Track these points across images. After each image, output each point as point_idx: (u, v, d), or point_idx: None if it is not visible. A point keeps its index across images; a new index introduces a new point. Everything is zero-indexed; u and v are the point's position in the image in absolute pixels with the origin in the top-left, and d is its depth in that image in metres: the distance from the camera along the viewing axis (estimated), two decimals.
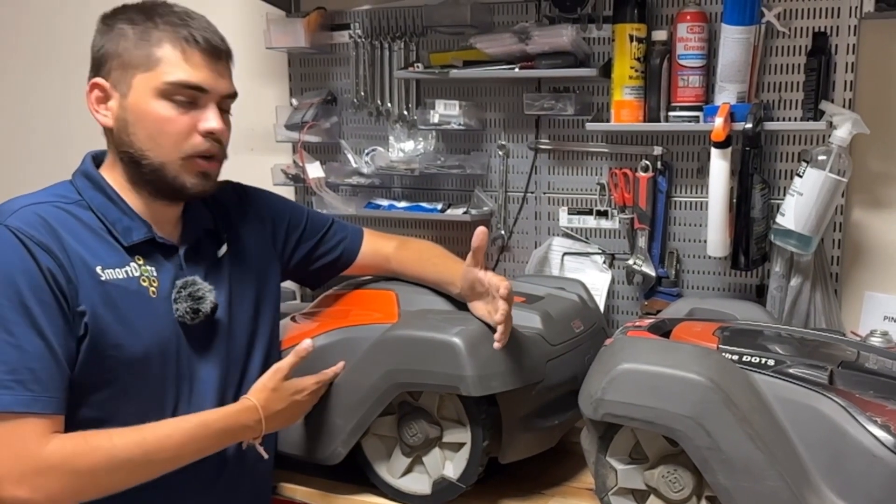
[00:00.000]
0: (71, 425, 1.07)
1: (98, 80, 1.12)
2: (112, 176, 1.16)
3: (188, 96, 1.11)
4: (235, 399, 1.19)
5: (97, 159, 1.18)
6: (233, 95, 1.17)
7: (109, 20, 1.13)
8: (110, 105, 1.12)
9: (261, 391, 1.18)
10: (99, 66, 1.13)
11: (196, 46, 1.11)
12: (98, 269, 1.08)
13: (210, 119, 1.12)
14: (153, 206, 1.15)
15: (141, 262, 1.12)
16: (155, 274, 1.13)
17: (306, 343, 1.22)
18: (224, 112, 1.16)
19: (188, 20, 1.12)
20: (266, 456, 1.20)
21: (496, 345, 1.16)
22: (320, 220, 1.41)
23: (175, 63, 1.10)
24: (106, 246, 1.10)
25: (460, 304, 1.31)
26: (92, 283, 1.06)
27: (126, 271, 1.10)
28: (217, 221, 1.24)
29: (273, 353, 1.28)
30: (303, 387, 1.21)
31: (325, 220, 1.41)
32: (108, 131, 1.14)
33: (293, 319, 1.41)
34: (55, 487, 1.00)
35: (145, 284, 1.12)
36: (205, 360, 1.17)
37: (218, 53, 1.13)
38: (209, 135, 1.12)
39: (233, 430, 1.14)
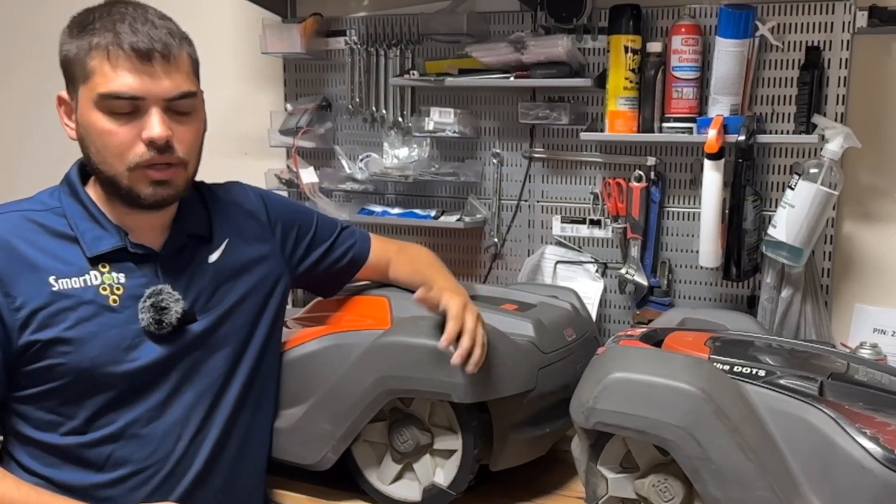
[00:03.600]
0: (28, 426, 1.10)
1: (62, 92, 1.11)
2: (94, 184, 1.15)
3: (125, 106, 1.05)
4: (210, 412, 1.17)
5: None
6: (183, 95, 1.08)
7: (66, 27, 1.10)
8: (74, 118, 1.10)
9: None
10: (64, 77, 1.11)
11: (121, 52, 1.04)
12: (51, 279, 1.08)
13: (150, 126, 1.06)
14: (131, 215, 1.13)
15: (105, 270, 1.11)
16: (122, 281, 1.11)
17: None
18: (180, 111, 1.09)
19: (119, 23, 1.05)
20: None
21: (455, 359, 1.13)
22: (330, 225, 1.39)
23: (104, 73, 1.04)
24: (69, 254, 1.10)
25: None
26: (41, 295, 1.07)
27: (84, 280, 1.09)
28: (214, 225, 1.22)
29: (267, 365, 1.26)
30: None
31: (335, 224, 1.39)
32: None
33: (285, 325, 1.41)
34: None
35: (105, 293, 1.10)
36: (177, 370, 1.14)
37: (148, 55, 1.05)
38: (151, 143, 1.06)
39: None
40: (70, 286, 1.08)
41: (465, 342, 1.14)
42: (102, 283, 1.10)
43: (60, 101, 1.13)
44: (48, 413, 1.10)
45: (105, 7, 1.09)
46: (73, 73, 1.08)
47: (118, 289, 1.11)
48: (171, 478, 1.15)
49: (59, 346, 1.07)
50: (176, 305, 1.12)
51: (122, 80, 1.04)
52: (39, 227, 1.10)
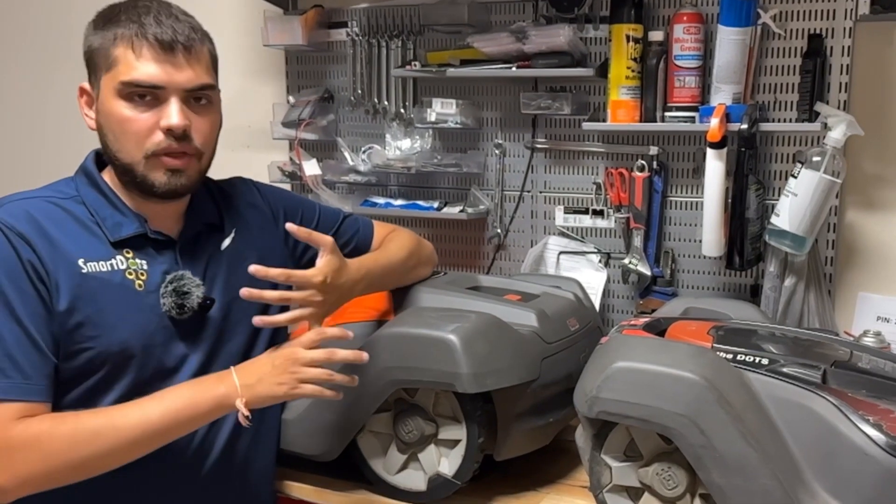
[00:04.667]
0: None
1: (84, 83, 1.15)
2: (111, 173, 1.17)
3: (145, 94, 1.09)
4: None
5: (103, 156, 1.19)
6: (203, 87, 1.12)
7: (91, 22, 1.14)
8: (94, 107, 1.14)
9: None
10: (87, 69, 1.14)
11: (145, 42, 1.08)
12: (80, 261, 1.09)
13: (169, 116, 1.09)
14: (148, 203, 1.15)
15: (129, 256, 1.13)
16: (145, 267, 1.13)
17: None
18: (199, 103, 1.13)
19: (144, 15, 1.09)
20: (246, 423, 1.09)
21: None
22: (332, 214, 1.40)
23: (127, 62, 1.08)
24: (94, 239, 1.12)
25: (459, 302, 1.32)
26: (72, 276, 1.08)
27: (111, 264, 1.11)
28: (223, 215, 1.24)
29: None
30: (289, 354, 1.11)
31: (337, 214, 1.41)
32: None
33: None
34: (22, 468, 1.01)
35: (131, 277, 1.12)
36: (196, 355, 1.17)
37: (171, 47, 1.09)
38: (169, 131, 1.09)
39: (203, 389, 1.09)
40: (98, 269, 1.10)
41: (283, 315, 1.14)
42: (128, 267, 1.12)
43: (82, 91, 1.16)
44: (76, 402, 1.10)
45: (130, 2, 1.12)
46: (97, 63, 1.11)
47: (142, 274, 1.13)
48: (191, 465, 1.16)
49: (88, 330, 1.08)
50: (197, 290, 1.14)
51: (144, 68, 1.08)
52: (64, 212, 1.12)
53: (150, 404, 1.06)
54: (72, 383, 1.10)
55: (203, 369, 1.17)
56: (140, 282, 1.12)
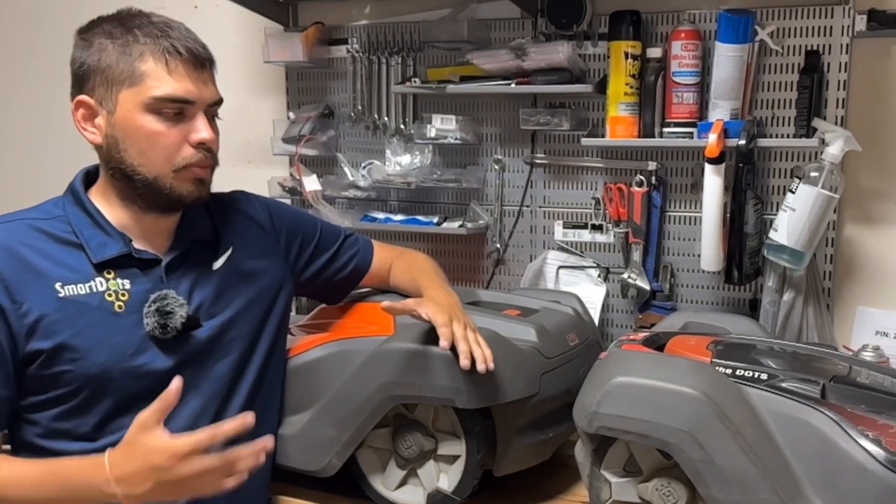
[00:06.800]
0: (37, 434, 1.10)
1: (83, 97, 1.12)
2: (100, 191, 1.16)
3: (175, 109, 1.10)
4: (216, 419, 1.17)
5: (93, 174, 1.19)
6: (219, 102, 1.16)
7: (86, 34, 1.12)
8: (98, 122, 1.12)
9: (119, 446, 1.00)
10: (82, 82, 1.12)
11: (179, 58, 1.10)
12: (57, 285, 1.09)
13: (200, 130, 1.12)
14: (143, 220, 1.15)
15: (110, 276, 1.12)
16: (126, 287, 1.12)
17: (176, 383, 0.99)
18: (211, 118, 1.16)
19: (168, 31, 1.11)
20: None
21: (462, 362, 1.13)
22: (333, 233, 1.40)
23: (159, 77, 1.09)
24: (75, 261, 1.11)
25: None
26: (47, 301, 1.08)
27: (90, 286, 1.10)
28: (219, 232, 1.23)
29: (272, 372, 1.27)
30: (166, 446, 0.96)
31: (338, 233, 1.41)
32: (98, 148, 1.14)
33: (290, 332, 1.41)
34: None
35: (110, 299, 1.11)
36: (182, 377, 1.12)
37: (201, 62, 1.12)
38: (200, 145, 1.12)
39: (78, 485, 1.00)
40: (76, 293, 1.09)
41: (461, 345, 1.15)
42: (108, 289, 1.11)
43: (79, 105, 1.12)
44: (57, 420, 1.11)
45: (132, 17, 1.12)
46: (110, 77, 1.09)
47: (123, 294, 1.12)
48: None
49: (66, 353, 1.08)
50: (181, 310, 1.13)
51: (180, 84, 1.10)
52: (45, 235, 1.12)
53: (32, 485, 1.02)
54: (52, 404, 1.10)
55: (188, 392, 1.13)
56: (120, 303, 1.12)
